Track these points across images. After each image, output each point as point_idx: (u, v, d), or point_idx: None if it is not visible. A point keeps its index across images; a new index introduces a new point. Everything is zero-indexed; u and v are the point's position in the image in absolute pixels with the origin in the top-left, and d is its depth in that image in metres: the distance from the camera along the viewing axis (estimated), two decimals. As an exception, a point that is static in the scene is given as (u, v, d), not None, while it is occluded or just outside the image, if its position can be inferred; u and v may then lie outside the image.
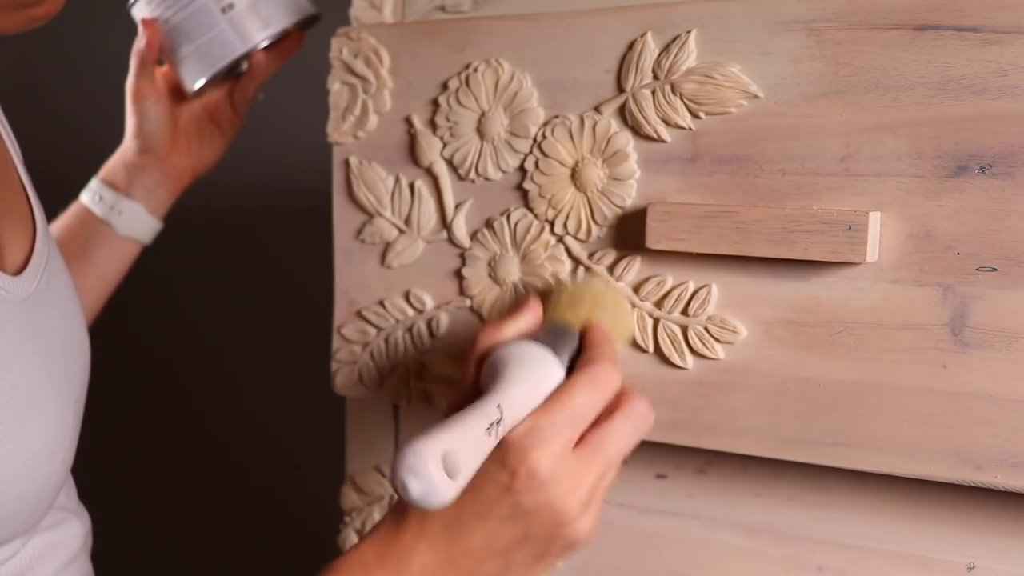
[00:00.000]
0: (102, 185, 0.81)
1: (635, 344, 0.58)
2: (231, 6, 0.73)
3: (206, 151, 0.82)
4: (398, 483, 0.43)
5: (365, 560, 0.48)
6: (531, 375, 0.48)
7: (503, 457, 0.46)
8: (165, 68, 0.79)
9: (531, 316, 0.54)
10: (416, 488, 0.43)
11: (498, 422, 0.46)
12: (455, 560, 0.47)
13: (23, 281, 0.56)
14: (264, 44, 0.75)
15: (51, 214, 0.84)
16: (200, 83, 0.76)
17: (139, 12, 0.77)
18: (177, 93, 0.80)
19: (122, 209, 0.80)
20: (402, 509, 0.49)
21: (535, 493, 0.46)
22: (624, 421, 0.49)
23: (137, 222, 0.81)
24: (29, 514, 0.54)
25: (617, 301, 0.57)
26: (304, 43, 0.78)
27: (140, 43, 0.77)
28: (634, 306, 0.58)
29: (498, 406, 0.46)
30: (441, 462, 0.43)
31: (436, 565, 0.47)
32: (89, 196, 0.81)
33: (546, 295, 0.58)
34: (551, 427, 0.46)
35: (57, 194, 0.86)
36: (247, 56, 0.76)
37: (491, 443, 0.46)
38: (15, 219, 0.60)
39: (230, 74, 0.80)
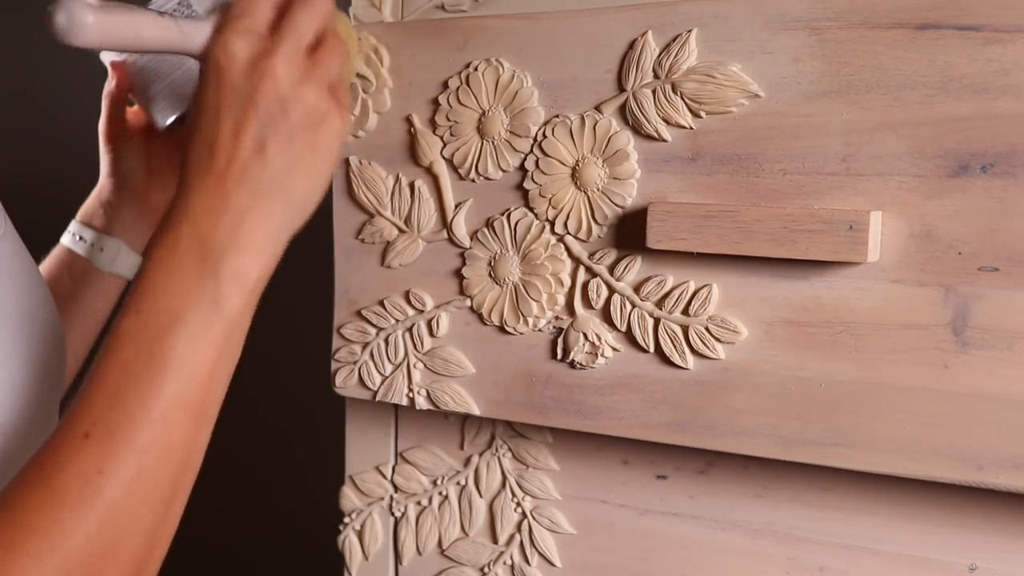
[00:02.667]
0: (81, 226, 0.82)
1: (636, 344, 0.58)
2: None
3: None
4: (48, 19, 0.46)
5: (159, 239, 0.50)
6: (219, 4, 0.52)
7: (207, 57, 0.50)
8: (136, 107, 0.81)
9: None
10: (61, 13, 0.46)
11: (175, 16, 0.50)
12: (221, 176, 0.49)
13: None
14: None
15: (52, 217, 0.84)
16: (170, 119, 0.77)
17: (107, 55, 0.78)
18: (149, 130, 0.81)
19: (103, 246, 0.82)
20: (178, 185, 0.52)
21: (238, 64, 0.49)
22: (303, 3, 0.51)
23: (119, 257, 0.82)
24: None
25: (350, 29, 0.59)
26: None
27: (110, 84, 0.78)
28: (634, 306, 0.58)
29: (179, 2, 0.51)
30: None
31: (210, 189, 0.49)
32: (69, 238, 0.82)
33: None
34: (233, 14, 0.50)
35: (56, 198, 0.86)
36: None
37: (161, 24, 0.49)
38: None
39: None
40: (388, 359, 0.68)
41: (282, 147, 0.49)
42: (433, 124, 0.64)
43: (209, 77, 0.50)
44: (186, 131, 0.52)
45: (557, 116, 0.60)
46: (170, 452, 0.48)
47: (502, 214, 0.62)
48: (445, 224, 0.64)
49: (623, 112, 0.58)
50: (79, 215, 0.83)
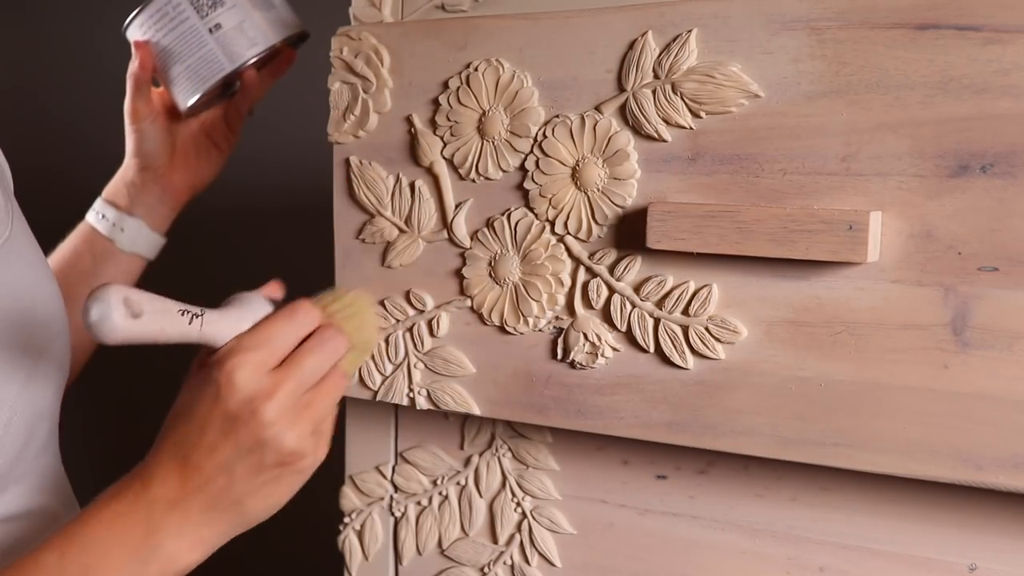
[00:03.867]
0: (105, 204, 0.84)
1: (636, 344, 0.58)
2: (218, 26, 0.76)
3: (204, 168, 0.85)
4: (83, 311, 0.49)
5: (118, 490, 0.53)
6: (243, 307, 0.55)
7: (209, 372, 0.52)
8: (161, 88, 0.82)
9: (271, 289, 0.59)
10: (94, 313, 0.49)
11: (197, 316, 0.52)
12: (187, 478, 0.52)
13: None
14: (252, 62, 0.78)
15: (55, 214, 0.84)
16: (192, 101, 0.79)
17: (132, 34, 0.79)
18: (173, 112, 0.83)
19: (125, 226, 0.83)
20: (152, 447, 0.54)
21: (235, 396, 0.51)
22: (316, 342, 0.54)
23: (139, 238, 0.84)
24: None
25: (367, 313, 0.61)
26: (296, 59, 0.81)
27: (134, 65, 0.79)
28: (634, 306, 0.58)
29: (201, 309, 0.53)
30: (123, 300, 0.49)
31: (174, 484, 0.52)
32: (93, 216, 0.84)
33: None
34: (249, 343, 0.52)
35: (60, 194, 0.86)
36: (237, 74, 0.78)
37: (184, 325, 0.52)
38: None
39: (224, 92, 0.83)
40: (388, 359, 0.68)
41: (248, 476, 0.52)
42: (433, 124, 0.64)
43: (207, 388, 0.52)
44: (174, 408, 0.54)
45: (557, 116, 0.60)
46: None
47: (502, 214, 0.62)
48: (445, 224, 0.65)
49: (623, 112, 0.58)
50: (104, 193, 0.85)
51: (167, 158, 0.83)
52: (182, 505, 0.52)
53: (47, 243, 0.81)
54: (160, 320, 0.51)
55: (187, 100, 0.79)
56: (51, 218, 0.83)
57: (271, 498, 0.53)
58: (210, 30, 0.76)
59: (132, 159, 0.83)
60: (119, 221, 0.83)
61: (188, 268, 1.43)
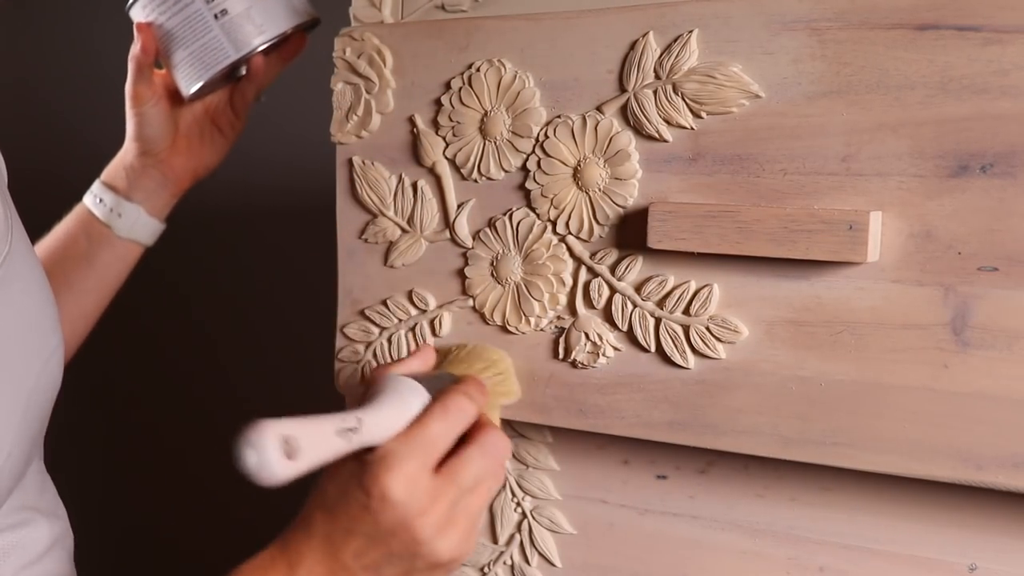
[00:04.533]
0: (103, 187, 0.81)
1: (637, 344, 0.59)
2: (224, 12, 0.73)
3: (207, 153, 0.82)
4: (237, 455, 0.46)
5: (263, 565, 0.51)
6: (399, 401, 0.52)
7: (361, 479, 0.49)
8: (164, 71, 0.79)
9: (421, 360, 0.57)
10: (251, 459, 0.46)
11: (354, 430, 0.49)
12: (334, 572, 0.50)
13: None
14: (259, 50, 0.75)
15: (50, 214, 0.84)
16: (194, 89, 0.76)
17: (135, 15, 0.76)
18: (176, 96, 0.79)
19: (122, 211, 0.80)
20: (295, 524, 0.53)
21: (389, 513, 0.49)
22: (478, 450, 0.52)
23: (137, 224, 0.81)
24: None
25: (506, 368, 0.61)
26: (306, 46, 0.78)
27: (136, 47, 0.76)
28: (636, 306, 0.58)
29: (357, 418, 0.50)
30: (280, 442, 0.46)
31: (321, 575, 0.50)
32: (91, 198, 0.81)
33: (447, 351, 0.61)
34: (405, 452, 0.49)
35: (54, 192, 0.85)
36: (243, 61, 0.75)
37: (342, 446, 0.49)
38: None
39: (229, 78, 0.79)
40: (391, 358, 0.68)
41: None
42: (436, 124, 0.64)
43: (358, 494, 0.49)
44: (319, 493, 0.52)
45: (559, 116, 0.60)
46: None
47: (504, 214, 0.62)
48: (448, 224, 0.65)
49: (624, 112, 0.58)
50: (103, 175, 0.82)
51: (168, 143, 0.80)
52: None
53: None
54: (318, 452, 0.48)
55: (190, 87, 0.76)
56: (50, 217, 0.83)
57: None
58: (216, 16, 0.73)
59: (132, 143, 0.80)
60: (117, 206, 0.80)
61: (190, 267, 1.44)
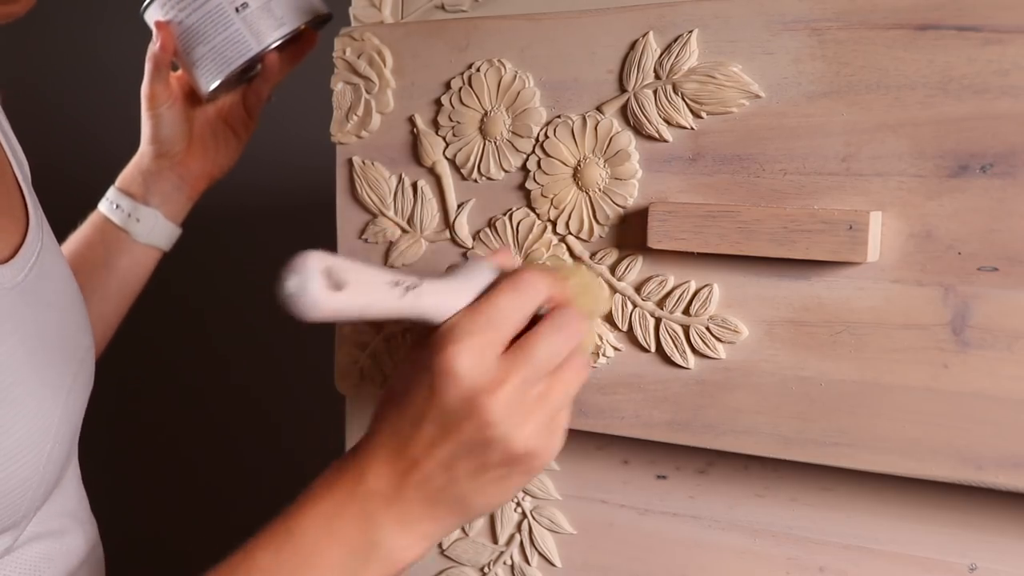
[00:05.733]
0: (119, 193, 0.81)
1: (637, 344, 0.58)
2: (245, 5, 0.74)
3: (222, 155, 0.83)
4: (279, 283, 0.44)
5: (332, 478, 0.49)
6: (464, 277, 0.48)
7: (427, 358, 0.46)
8: (179, 72, 0.79)
9: (501, 256, 0.54)
10: (291, 283, 0.43)
11: (411, 288, 0.46)
12: (404, 472, 0.47)
13: (8, 270, 0.57)
14: (278, 43, 0.76)
15: (63, 216, 0.84)
16: (215, 84, 0.76)
17: (152, 15, 0.77)
18: (192, 97, 0.80)
19: (140, 216, 0.80)
20: (357, 445, 0.50)
21: (455, 390, 0.45)
22: (551, 326, 0.48)
23: (156, 228, 0.81)
24: (11, 504, 0.54)
25: (596, 287, 0.57)
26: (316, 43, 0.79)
27: (155, 46, 0.76)
28: (636, 306, 0.58)
29: (418, 278, 0.46)
30: (325, 270, 0.43)
31: (390, 479, 0.47)
32: (107, 205, 0.81)
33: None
34: (470, 325, 0.46)
35: (66, 194, 0.85)
36: (262, 56, 0.76)
37: (394, 298, 0.45)
38: (6, 216, 0.61)
39: (243, 76, 0.80)
40: (390, 359, 0.68)
41: (471, 475, 0.47)
42: (436, 124, 0.64)
43: (423, 376, 0.46)
44: (388, 390, 0.49)
45: (559, 116, 0.60)
46: None
47: (504, 214, 0.62)
48: (448, 224, 0.65)
49: (624, 112, 0.58)
50: (118, 181, 0.82)
51: (184, 144, 0.80)
52: (400, 500, 0.47)
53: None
54: (367, 293, 0.44)
55: (210, 83, 0.76)
56: (62, 223, 0.83)
57: (497, 496, 0.48)
58: (236, 9, 0.74)
59: (148, 146, 0.80)
60: (134, 211, 0.80)
61: (191, 267, 1.44)
